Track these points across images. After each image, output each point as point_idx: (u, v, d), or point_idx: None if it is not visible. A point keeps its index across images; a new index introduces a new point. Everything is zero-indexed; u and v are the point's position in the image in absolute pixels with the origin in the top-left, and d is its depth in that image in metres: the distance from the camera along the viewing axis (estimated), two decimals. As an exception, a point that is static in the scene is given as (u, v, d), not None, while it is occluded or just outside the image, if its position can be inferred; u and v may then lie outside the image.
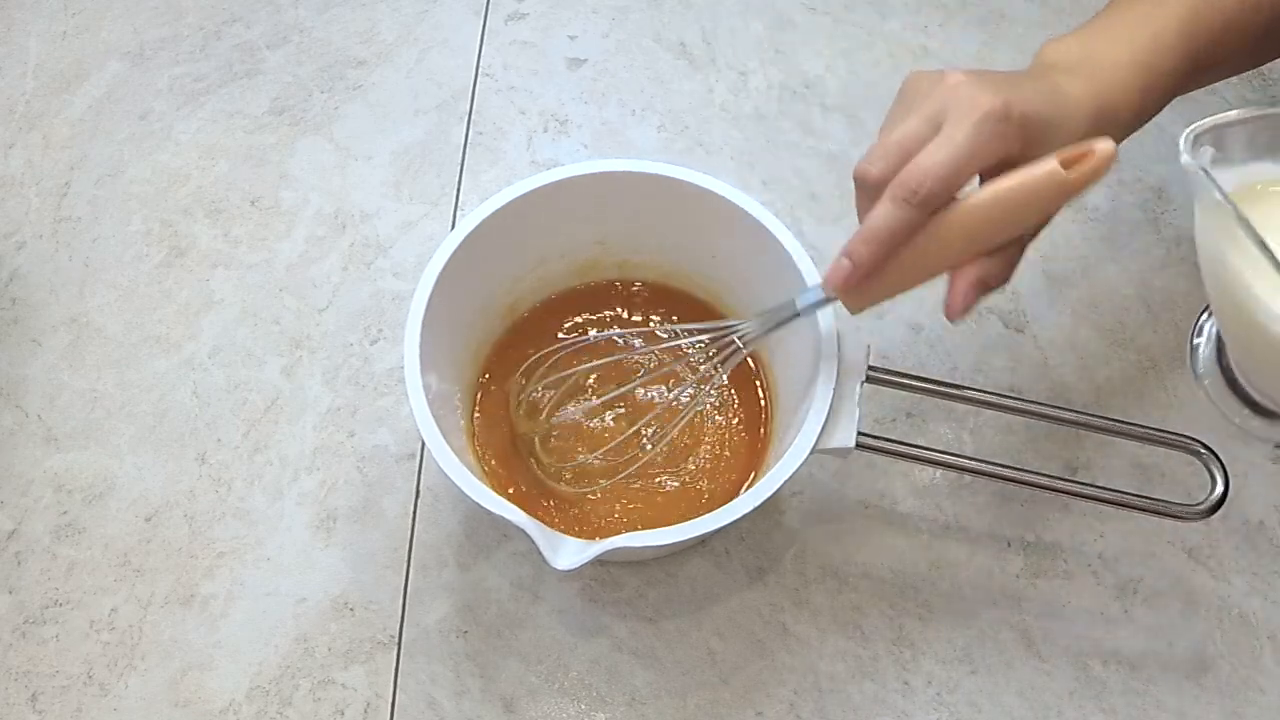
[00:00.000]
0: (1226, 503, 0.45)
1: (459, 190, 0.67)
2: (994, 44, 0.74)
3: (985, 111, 0.40)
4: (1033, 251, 0.64)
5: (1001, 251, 0.43)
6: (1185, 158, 0.39)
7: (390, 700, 0.51)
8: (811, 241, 0.64)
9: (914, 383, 0.49)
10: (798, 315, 0.47)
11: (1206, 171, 0.39)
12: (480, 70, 0.73)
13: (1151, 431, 0.47)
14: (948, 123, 0.40)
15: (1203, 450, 0.46)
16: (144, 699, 0.51)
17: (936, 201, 0.40)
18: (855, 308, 0.45)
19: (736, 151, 0.69)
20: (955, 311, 0.43)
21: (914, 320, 0.62)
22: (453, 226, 0.63)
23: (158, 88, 0.72)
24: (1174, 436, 0.46)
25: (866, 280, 0.43)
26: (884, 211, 0.41)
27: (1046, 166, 0.40)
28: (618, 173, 0.53)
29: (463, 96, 0.72)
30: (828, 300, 0.46)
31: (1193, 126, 0.40)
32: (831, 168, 0.68)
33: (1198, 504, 0.45)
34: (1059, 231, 0.65)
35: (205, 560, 0.54)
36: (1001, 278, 0.43)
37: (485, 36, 0.75)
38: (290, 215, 0.66)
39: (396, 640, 0.52)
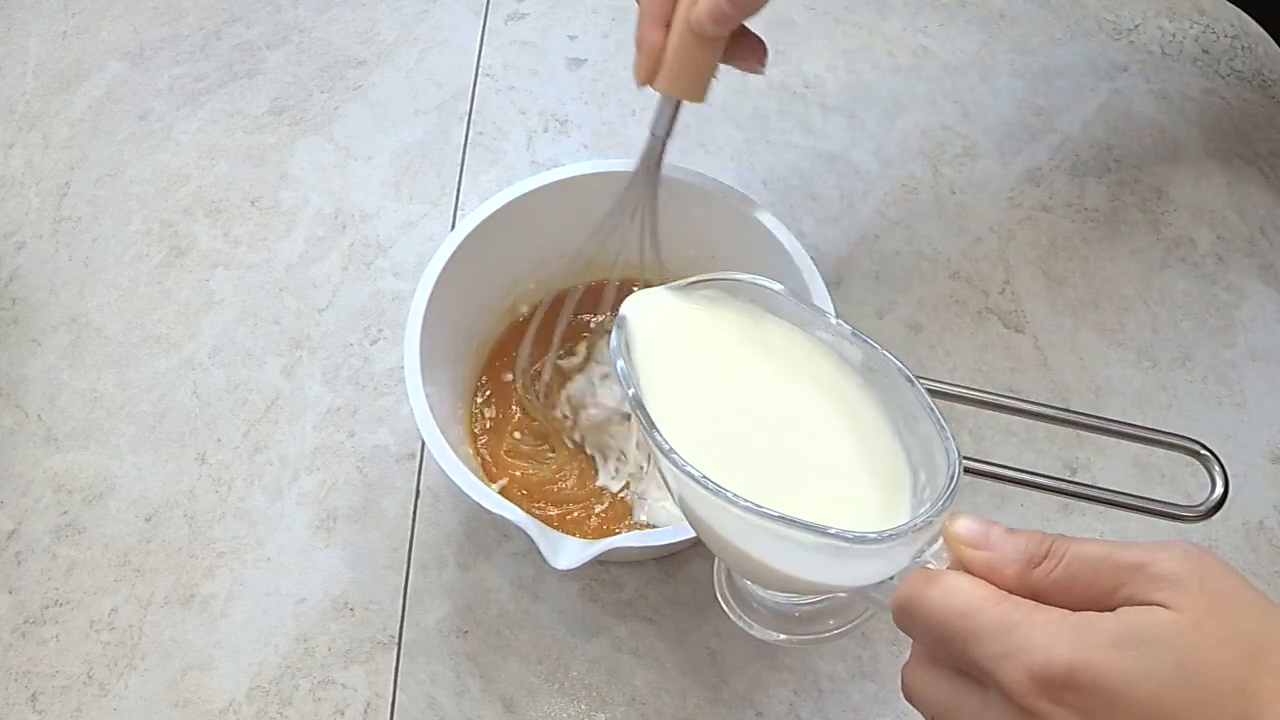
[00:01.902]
0: (1226, 503, 0.44)
1: (459, 190, 0.67)
2: (994, 44, 0.74)
3: None
4: (1032, 251, 0.65)
5: None
6: (612, 339, 0.37)
7: (390, 700, 0.51)
8: (812, 242, 0.65)
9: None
10: (656, 139, 0.47)
11: (622, 368, 0.36)
12: (480, 70, 0.73)
13: (1151, 432, 0.47)
14: None
15: (1203, 451, 0.46)
16: (144, 699, 0.51)
17: None
18: (691, 95, 0.45)
19: (736, 151, 0.69)
20: (696, 14, 0.42)
21: (914, 320, 0.62)
22: (453, 226, 0.63)
23: (158, 88, 0.72)
24: (1174, 437, 0.46)
25: (661, 57, 0.44)
26: None
27: None
28: (618, 173, 0.53)
29: (463, 96, 0.72)
30: (673, 108, 0.46)
31: (624, 305, 0.39)
32: (831, 168, 0.68)
33: (1198, 504, 0.45)
34: (1059, 231, 0.65)
35: (205, 560, 0.54)
36: None
37: (485, 36, 0.75)
38: (290, 215, 0.66)
39: (396, 640, 0.52)
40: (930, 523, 0.30)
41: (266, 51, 0.74)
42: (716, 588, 0.41)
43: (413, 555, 0.54)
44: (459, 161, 0.69)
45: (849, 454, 0.36)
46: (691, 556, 0.54)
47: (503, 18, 0.76)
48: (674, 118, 0.47)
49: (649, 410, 0.34)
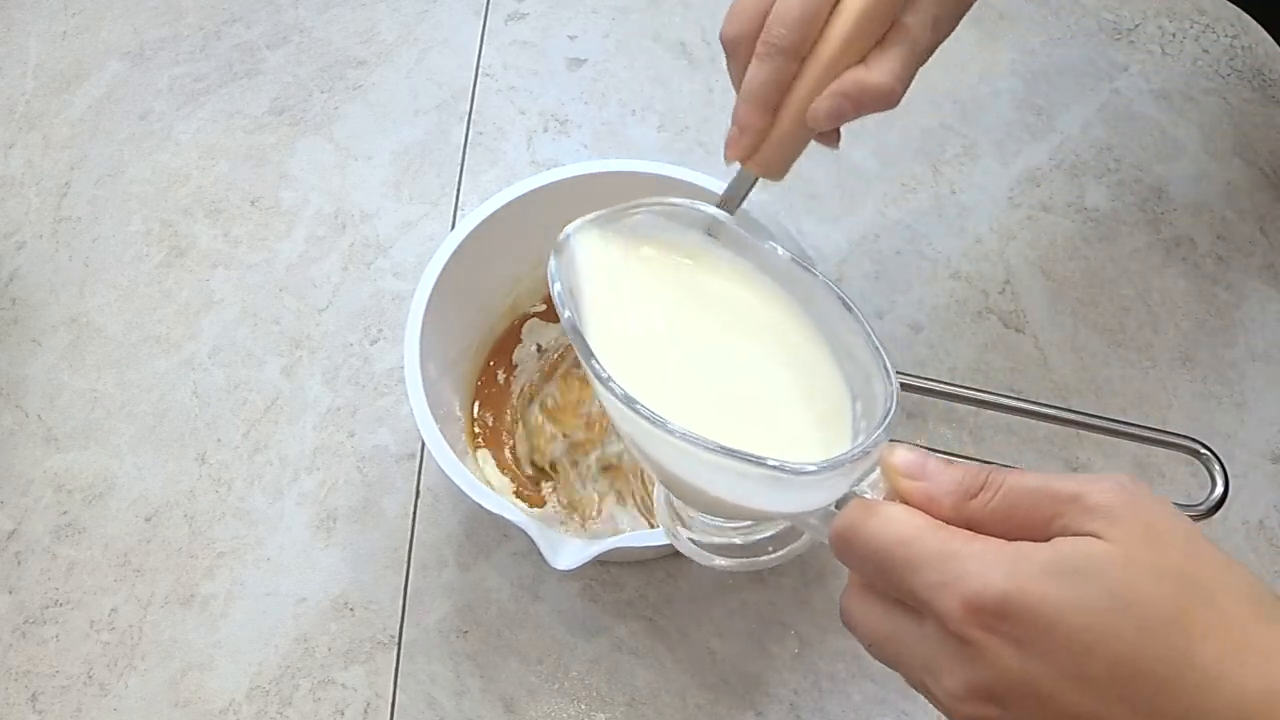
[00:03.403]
0: (1226, 503, 0.45)
1: (459, 190, 0.67)
2: (994, 44, 0.74)
3: None
4: (1032, 251, 0.65)
5: (880, 57, 0.41)
6: (551, 264, 0.36)
7: (390, 700, 0.51)
8: (812, 242, 0.65)
9: (914, 383, 0.49)
10: (729, 210, 0.45)
11: (557, 281, 0.35)
12: (480, 70, 0.73)
13: (1151, 431, 0.47)
14: None
15: (1203, 450, 0.46)
16: (144, 699, 0.51)
17: (796, 48, 0.40)
18: (773, 174, 0.44)
19: (736, 151, 0.69)
20: (814, 111, 0.41)
21: (914, 320, 0.62)
22: (453, 226, 0.63)
23: (158, 88, 0.72)
24: (1174, 437, 0.46)
25: (762, 140, 0.43)
26: (753, 69, 0.41)
27: None
28: (618, 173, 0.53)
29: (463, 96, 0.72)
30: (749, 181, 0.45)
31: (566, 229, 0.38)
32: (831, 168, 0.68)
33: (1198, 504, 0.45)
34: (1059, 231, 0.65)
35: (205, 560, 0.54)
36: (879, 83, 0.40)
37: (485, 36, 0.75)
38: (290, 215, 0.66)
39: (396, 640, 0.52)
40: (867, 453, 0.30)
41: (266, 51, 0.74)
42: (658, 514, 0.41)
43: (413, 555, 0.54)
44: (459, 161, 0.69)
45: (789, 384, 0.36)
46: (691, 556, 0.54)
47: (503, 18, 0.76)
48: (749, 192, 0.46)
49: (587, 338, 0.33)
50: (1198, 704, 0.26)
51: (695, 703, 0.50)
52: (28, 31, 0.75)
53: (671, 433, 0.30)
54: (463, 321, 0.54)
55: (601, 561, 0.53)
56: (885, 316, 0.62)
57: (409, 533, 0.55)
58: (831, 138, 0.45)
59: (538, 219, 0.53)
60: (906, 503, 0.30)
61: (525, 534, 0.43)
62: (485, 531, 0.55)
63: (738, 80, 0.43)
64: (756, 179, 0.45)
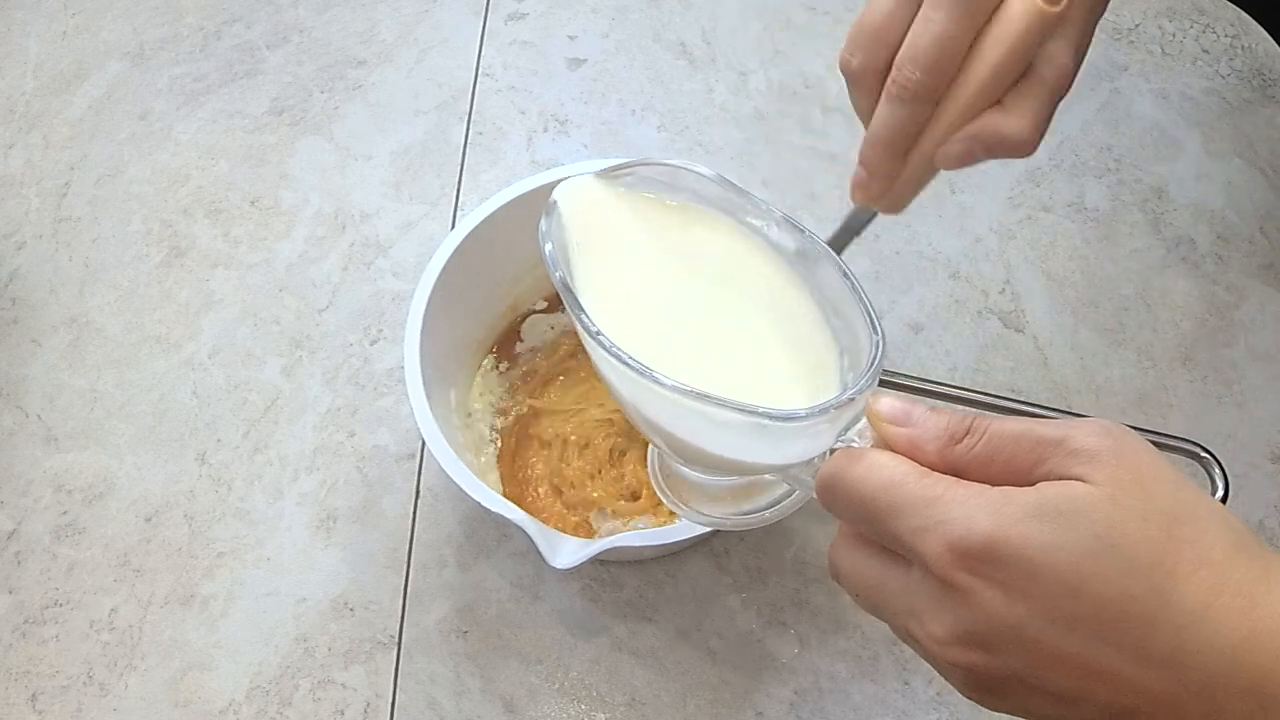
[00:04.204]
0: (1226, 504, 0.44)
1: (459, 190, 0.67)
2: (994, 44, 0.74)
3: None
4: (1032, 251, 0.65)
5: (1018, 102, 0.38)
6: (542, 224, 0.36)
7: (390, 700, 0.51)
8: (811, 241, 0.65)
9: (914, 384, 0.49)
10: (839, 244, 0.43)
11: (549, 249, 0.35)
12: (480, 70, 0.73)
13: (1151, 433, 0.47)
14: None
15: (1203, 453, 0.46)
16: (144, 699, 0.51)
17: (932, 92, 0.37)
18: (895, 210, 0.42)
19: (736, 151, 0.69)
20: (945, 154, 0.39)
21: (914, 320, 0.62)
22: (453, 226, 0.63)
23: (158, 88, 0.72)
24: (1174, 439, 0.46)
25: (892, 184, 0.40)
26: (884, 111, 0.38)
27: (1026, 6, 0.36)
28: (618, 173, 0.53)
29: (463, 96, 0.72)
30: (868, 217, 0.43)
31: (555, 190, 0.37)
32: (831, 168, 0.68)
33: (1198, 504, 0.45)
34: (1059, 231, 0.65)
35: (205, 560, 0.54)
36: (1017, 134, 0.38)
37: (485, 36, 0.75)
38: (290, 215, 0.66)
39: (396, 640, 0.52)
40: (852, 400, 0.30)
41: (266, 51, 0.74)
42: (651, 476, 0.41)
43: (413, 555, 0.54)
44: (459, 161, 0.69)
45: (777, 337, 0.36)
46: (691, 556, 0.54)
47: (503, 18, 0.76)
48: (865, 227, 0.44)
49: (577, 294, 0.34)
50: (1182, 644, 0.26)
51: (695, 703, 0.50)
52: (27, 31, 0.75)
53: (660, 384, 0.31)
54: (462, 321, 0.54)
55: (601, 561, 0.53)
56: (885, 316, 0.62)
57: (409, 533, 0.55)
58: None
59: (537, 219, 0.53)
60: (892, 449, 0.30)
61: (525, 534, 0.43)
62: (485, 531, 0.55)
63: (865, 114, 0.40)
64: (875, 214, 0.43)
